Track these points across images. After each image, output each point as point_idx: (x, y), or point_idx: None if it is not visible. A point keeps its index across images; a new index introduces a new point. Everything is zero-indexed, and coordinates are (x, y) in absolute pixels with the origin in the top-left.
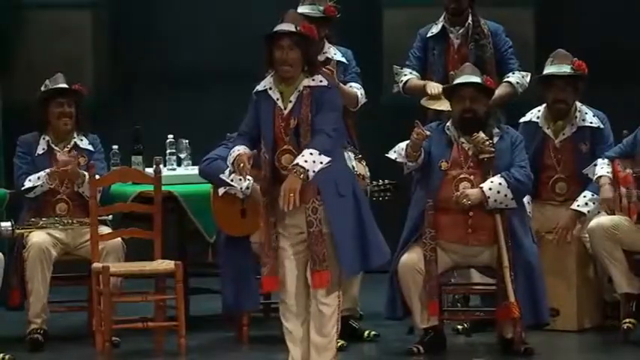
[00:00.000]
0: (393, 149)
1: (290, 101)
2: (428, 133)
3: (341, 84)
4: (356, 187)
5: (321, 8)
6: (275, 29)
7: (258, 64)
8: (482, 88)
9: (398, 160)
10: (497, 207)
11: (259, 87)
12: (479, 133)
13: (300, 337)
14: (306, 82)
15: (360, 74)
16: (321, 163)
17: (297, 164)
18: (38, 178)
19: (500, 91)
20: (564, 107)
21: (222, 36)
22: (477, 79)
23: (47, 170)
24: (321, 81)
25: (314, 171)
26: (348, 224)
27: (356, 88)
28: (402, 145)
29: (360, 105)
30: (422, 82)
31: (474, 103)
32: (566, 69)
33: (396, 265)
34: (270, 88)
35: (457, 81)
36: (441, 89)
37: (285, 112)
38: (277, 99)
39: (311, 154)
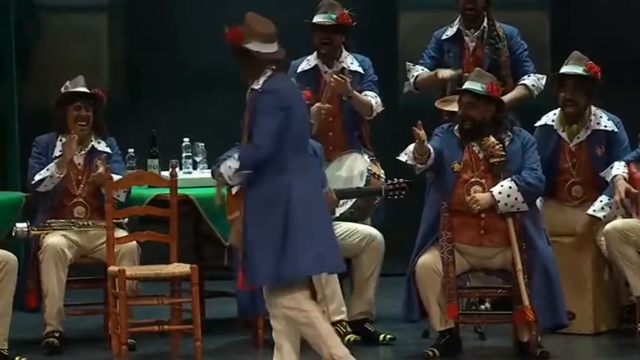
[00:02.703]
0: (404, 151)
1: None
2: (422, 133)
3: (355, 92)
4: (294, 197)
5: (334, 16)
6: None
7: None
8: (481, 96)
9: (408, 162)
10: (508, 210)
11: None
12: (489, 138)
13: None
14: (253, 85)
15: (377, 83)
16: (230, 168)
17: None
18: (47, 169)
19: (514, 93)
20: (574, 108)
21: None
22: (477, 87)
23: (55, 160)
24: (258, 84)
25: (229, 176)
26: (262, 234)
27: (371, 97)
28: (412, 147)
29: (375, 113)
30: (432, 72)
31: (471, 109)
32: (578, 70)
33: (413, 268)
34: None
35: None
36: (452, 73)
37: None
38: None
39: (232, 159)
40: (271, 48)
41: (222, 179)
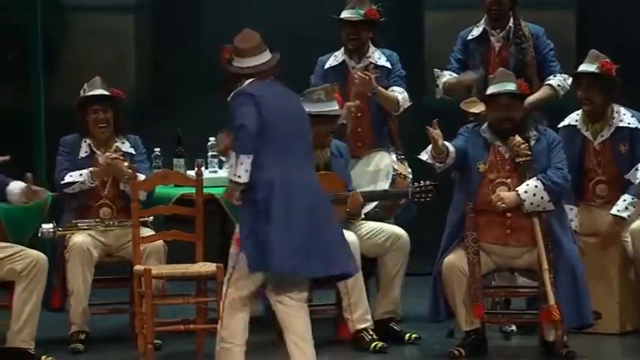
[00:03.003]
0: (425, 150)
1: None
2: (436, 132)
3: (380, 88)
4: (270, 196)
5: (362, 12)
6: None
7: (300, 66)
8: (517, 95)
9: (428, 161)
10: (534, 210)
11: None
12: (515, 137)
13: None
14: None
15: (404, 78)
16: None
17: None
18: (80, 174)
19: (540, 93)
20: (589, 107)
21: (265, 38)
22: (511, 87)
23: (90, 169)
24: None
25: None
26: (245, 231)
27: (397, 92)
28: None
29: (401, 109)
30: (455, 79)
31: (510, 110)
32: (591, 68)
33: (439, 268)
34: None
35: (492, 88)
36: (473, 76)
37: None
38: None
39: None
40: (251, 62)
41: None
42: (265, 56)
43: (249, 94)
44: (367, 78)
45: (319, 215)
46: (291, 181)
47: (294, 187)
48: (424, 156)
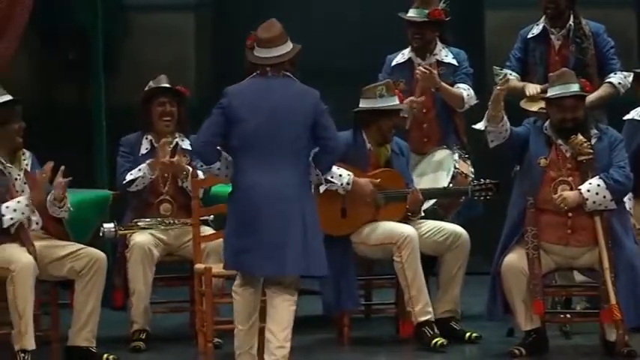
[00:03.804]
0: (482, 122)
1: None
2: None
3: (445, 84)
4: (236, 194)
5: (426, 12)
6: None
7: (365, 64)
8: (581, 95)
9: (484, 127)
10: (597, 209)
11: None
12: (577, 136)
13: None
14: None
15: (470, 75)
16: None
17: None
18: (139, 169)
19: (601, 92)
20: None
21: (328, 36)
22: (575, 87)
23: (148, 161)
24: None
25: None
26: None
27: (463, 89)
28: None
29: (467, 105)
30: (521, 84)
31: (575, 111)
32: None
33: (498, 267)
34: None
35: (556, 90)
36: (539, 90)
37: None
38: None
39: None
40: (266, 52)
41: None
42: (282, 49)
43: (224, 94)
44: (429, 73)
45: (275, 219)
46: (254, 185)
47: (256, 191)
48: (479, 125)
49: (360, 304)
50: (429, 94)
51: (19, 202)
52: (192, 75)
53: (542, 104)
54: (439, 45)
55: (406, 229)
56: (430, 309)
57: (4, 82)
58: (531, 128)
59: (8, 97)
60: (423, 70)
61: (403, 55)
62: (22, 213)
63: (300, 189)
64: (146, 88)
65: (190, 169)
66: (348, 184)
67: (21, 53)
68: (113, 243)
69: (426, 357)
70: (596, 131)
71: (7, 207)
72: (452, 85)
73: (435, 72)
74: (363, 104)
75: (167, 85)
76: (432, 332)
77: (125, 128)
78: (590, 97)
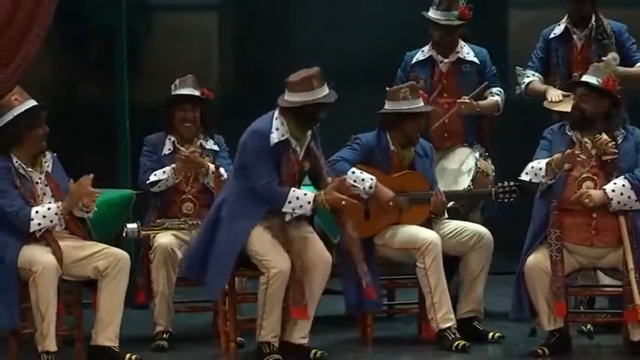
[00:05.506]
0: (525, 171)
1: None
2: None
3: (482, 103)
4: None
5: (456, 13)
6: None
7: (391, 65)
8: (595, 89)
9: (533, 181)
10: (621, 209)
11: None
12: (601, 135)
13: None
14: None
15: (497, 75)
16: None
17: None
18: (164, 172)
19: (636, 69)
20: None
21: (354, 36)
22: (594, 80)
23: (173, 165)
24: None
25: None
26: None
27: (496, 94)
28: (535, 164)
29: (501, 109)
30: (543, 87)
31: (583, 102)
32: None
33: (522, 266)
34: None
35: (583, 77)
36: (561, 97)
37: None
38: None
39: None
40: (294, 97)
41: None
42: (300, 96)
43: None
44: (470, 103)
45: (209, 230)
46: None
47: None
48: (526, 177)
49: (382, 304)
50: (455, 92)
51: (49, 208)
52: (215, 74)
53: (566, 105)
54: (460, 42)
55: (429, 234)
56: (452, 315)
57: (27, 82)
58: (552, 135)
59: (34, 103)
60: (464, 101)
61: (423, 53)
62: (51, 221)
63: None
64: (172, 87)
65: (211, 165)
66: (370, 188)
67: (45, 53)
68: (136, 243)
69: (451, 356)
70: (622, 131)
71: (36, 212)
72: (478, 84)
73: (473, 102)
74: (388, 106)
75: (189, 93)
76: (453, 335)
77: (148, 128)
78: (624, 69)
